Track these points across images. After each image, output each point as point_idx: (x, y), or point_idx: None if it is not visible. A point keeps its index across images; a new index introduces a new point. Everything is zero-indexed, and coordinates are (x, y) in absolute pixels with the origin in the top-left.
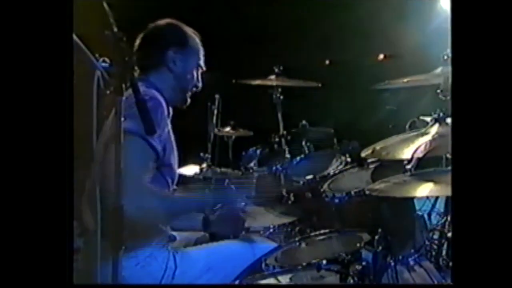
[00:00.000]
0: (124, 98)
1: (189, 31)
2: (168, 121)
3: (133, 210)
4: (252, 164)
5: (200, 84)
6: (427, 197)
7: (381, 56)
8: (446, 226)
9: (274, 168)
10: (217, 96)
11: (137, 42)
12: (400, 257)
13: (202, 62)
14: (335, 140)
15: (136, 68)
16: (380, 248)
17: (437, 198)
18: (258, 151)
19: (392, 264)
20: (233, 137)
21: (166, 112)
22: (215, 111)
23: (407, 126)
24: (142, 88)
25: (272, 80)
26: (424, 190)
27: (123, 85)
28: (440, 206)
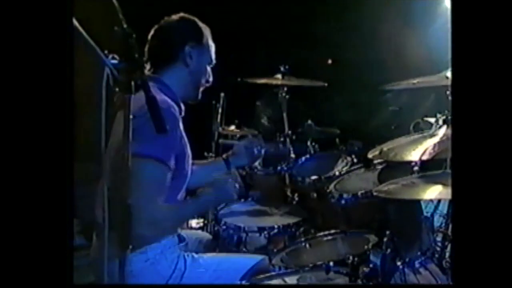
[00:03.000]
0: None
1: (203, 26)
2: (180, 121)
3: (150, 229)
4: (256, 164)
5: (211, 79)
6: (430, 199)
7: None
8: (449, 228)
9: (279, 167)
10: (222, 94)
11: (151, 34)
12: (407, 260)
13: (213, 57)
14: (337, 140)
15: (146, 65)
16: (389, 250)
17: (439, 199)
18: (262, 151)
19: (401, 267)
20: (238, 136)
21: (178, 114)
22: (220, 110)
23: (411, 127)
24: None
25: (278, 79)
26: (433, 192)
27: (133, 83)
28: (443, 208)
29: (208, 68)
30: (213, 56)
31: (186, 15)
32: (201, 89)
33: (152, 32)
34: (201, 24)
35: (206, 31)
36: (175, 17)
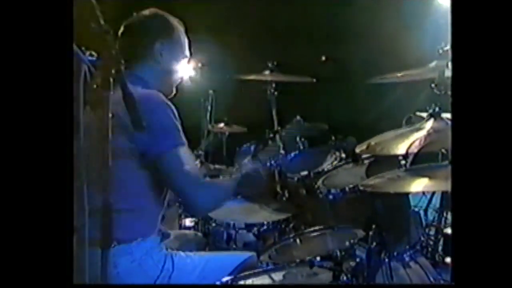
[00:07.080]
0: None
1: (175, 21)
2: None
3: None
4: (246, 161)
5: (185, 75)
6: (423, 193)
7: None
8: (442, 222)
9: (268, 164)
10: (210, 91)
11: (121, 31)
12: (395, 254)
13: (187, 52)
14: (331, 136)
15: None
16: (374, 244)
17: (433, 194)
18: (252, 147)
19: (386, 260)
20: (227, 133)
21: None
22: (209, 107)
23: (403, 122)
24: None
25: (266, 76)
26: (418, 185)
27: (111, 80)
28: (436, 202)
29: (181, 64)
30: (187, 51)
31: (156, 11)
32: (176, 84)
33: (121, 29)
34: (172, 19)
35: (178, 27)
36: (145, 13)
